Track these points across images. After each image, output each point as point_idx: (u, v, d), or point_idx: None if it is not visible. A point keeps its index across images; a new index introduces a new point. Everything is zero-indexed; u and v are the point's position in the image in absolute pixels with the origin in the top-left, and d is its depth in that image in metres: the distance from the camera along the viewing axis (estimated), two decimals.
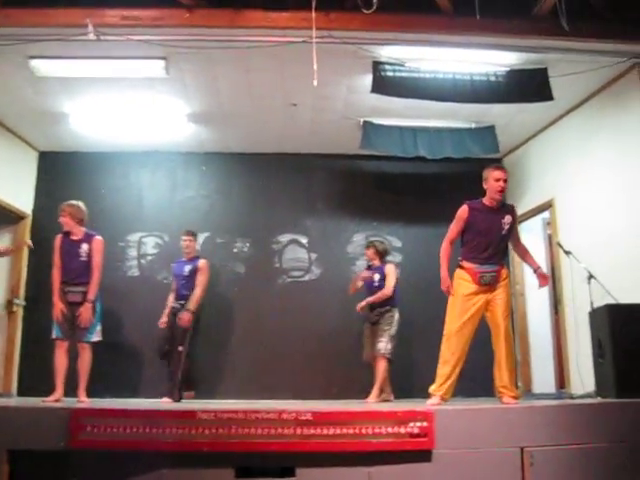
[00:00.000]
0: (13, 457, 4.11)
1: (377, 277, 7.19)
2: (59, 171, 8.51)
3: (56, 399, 6.01)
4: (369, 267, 7.46)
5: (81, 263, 6.33)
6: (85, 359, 6.28)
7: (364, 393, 7.36)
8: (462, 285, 5.49)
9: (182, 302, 7.11)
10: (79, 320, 6.17)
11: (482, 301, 5.44)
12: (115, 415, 4.23)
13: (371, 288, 7.20)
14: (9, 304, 7.97)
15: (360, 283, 7.39)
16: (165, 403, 6.51)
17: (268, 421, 4.14)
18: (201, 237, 8.33)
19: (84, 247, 6.37)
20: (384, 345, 6.96)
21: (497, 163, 8.56)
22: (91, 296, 6.25)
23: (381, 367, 6.96)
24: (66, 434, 4.07)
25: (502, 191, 5.54)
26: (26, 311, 8.05)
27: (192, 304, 6.98)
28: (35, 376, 7.24)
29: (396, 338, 7.02)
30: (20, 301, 8.00)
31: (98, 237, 6.46)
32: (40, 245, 7.96)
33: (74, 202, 6.53)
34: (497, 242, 5.52)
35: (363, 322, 7.37)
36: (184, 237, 7.42)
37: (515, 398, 5.32)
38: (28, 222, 8.28)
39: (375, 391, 6.93)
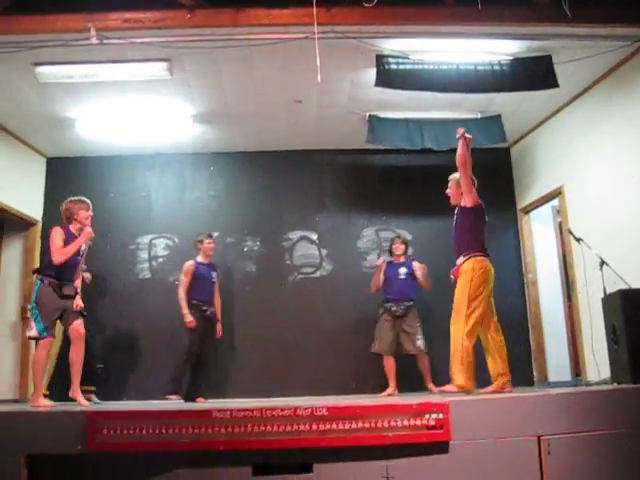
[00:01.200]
0: (31, 462, 4.12)
1: (404, 271, 7.24)
2: (67, 176, 8.54)
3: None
4: (390, 262, 7.49)
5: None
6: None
7: (378, 387, 7.39)
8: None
9: (209, 306, 7.27)
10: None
11: None
12: (131, 417, 4.23)
13: (396, 282, 7.21)
14: (23, 311, 8.01)
15: (382, 278, 7.41)
16: (174, 400, 6.68)
17: (284, 418, 4.14)
18: None
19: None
20: (422, 342, 7.14)
21: (505, 152, 8.61)
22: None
23: (426, 361, 7.19)
24: (83, 437, 4.08)
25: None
26: None
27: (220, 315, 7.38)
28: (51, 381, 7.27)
29: None
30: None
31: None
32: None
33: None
34: None
35: (381, 314, 7.38)
36: (210, 240, 7.48)
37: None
38: (38, 228, 8.32)
39: (429, 381, 7.09)
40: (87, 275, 7.29)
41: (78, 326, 5.86)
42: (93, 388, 7.02)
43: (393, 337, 7.24)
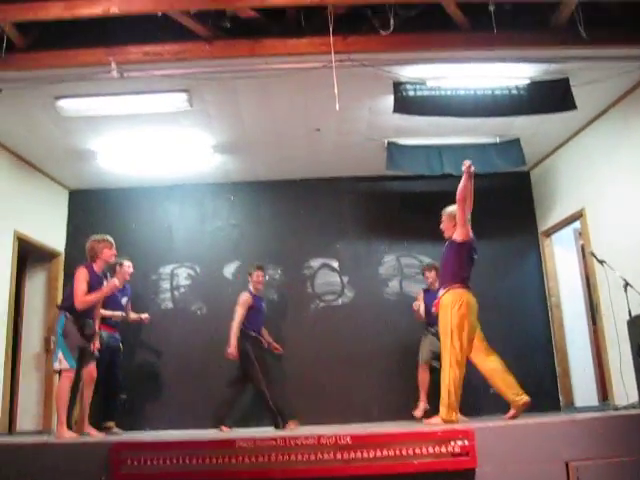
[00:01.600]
0: None
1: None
2: (89, 208, 8.64)
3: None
4: (427, 290, 7.44)
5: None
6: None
7: (401, 413, 7.33)
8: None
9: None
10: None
11: None
12: (154, 448, 4.23)
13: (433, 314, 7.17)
14: (46, 341, 8.06)
15: (422, 309, 7.36)
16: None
17: (307, 447, 4.12)
18: (232, 266, 8.41)
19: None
20: None
21: (525, 175, 8.58)
22: None
23: None
24: (107, 468, 4.08)
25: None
26: None
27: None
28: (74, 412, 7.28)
29: None
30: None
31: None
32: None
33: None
34: None
35: (425, 336, 7.37)
36: (258, 273, 7.49)
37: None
38: (61, 260, 8.41)
39: None
40: (145, 316, 7.52)
41: (93, 370, 6.08)
42: (112, 424, 7.03)
43: (433, 353, 7.14)
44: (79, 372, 6.06)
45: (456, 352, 5.51)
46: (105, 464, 4.09)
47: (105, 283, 6.12)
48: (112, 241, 6.23)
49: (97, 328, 6.24)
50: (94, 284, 6.00)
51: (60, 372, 5.88)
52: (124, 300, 7.36)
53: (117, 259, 7.16)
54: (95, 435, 6.03)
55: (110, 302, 6.97)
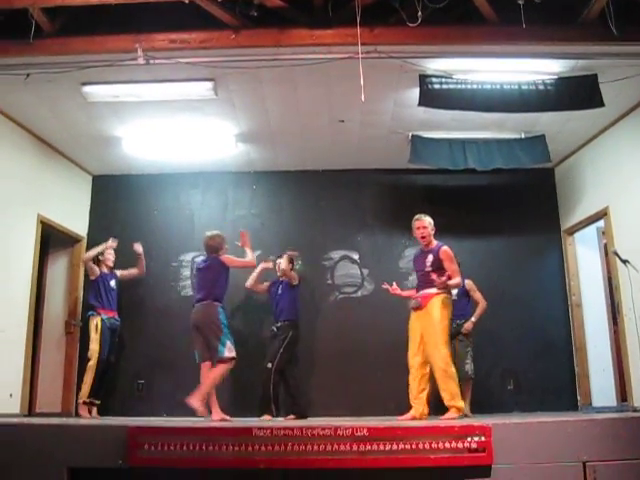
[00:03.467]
0: (73, 474, 4.17)
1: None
2: (112, 194, 8.70)
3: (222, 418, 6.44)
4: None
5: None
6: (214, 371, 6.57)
7: None
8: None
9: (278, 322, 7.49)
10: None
11: None
12: (171, 433, 4.26)
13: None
14: (67, 325, 8.14)
15: None
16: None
17: (324, 437, 4.12)
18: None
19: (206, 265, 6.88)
20: (470, 367, 7.05)
21: (549, 172, 8.51)
22: None
23: (468, 387, 6.99)
24: (124, 452, 4.11)
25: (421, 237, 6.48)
26: (83, 332, 8.20)
27: None
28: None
29: None
30: (77, 322, 8.16)
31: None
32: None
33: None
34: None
35: None
36: (280, 260, 7.65)
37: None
38: (83, 245, 8.46)
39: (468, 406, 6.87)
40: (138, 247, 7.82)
41: None
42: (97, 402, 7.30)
43: None
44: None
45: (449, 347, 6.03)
46: (123, 448, 4.12)
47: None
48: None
49: None
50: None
51: (224, 360, 6.43)
52: (113, 282, 7.70)
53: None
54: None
55: (101, 288, 7.54)
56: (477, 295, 7.20)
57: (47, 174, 7.73)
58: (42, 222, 7.53)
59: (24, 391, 7.06)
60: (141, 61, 5.75)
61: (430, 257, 6.23)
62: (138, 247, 7.81)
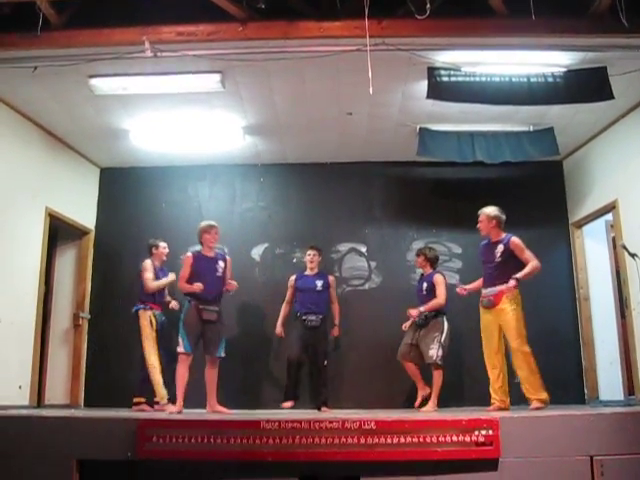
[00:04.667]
0: (82, 467, 4.20)
1: (425, 285, 7.10)
2: (120, 187, 8.71)
3: (178, 410, 6.39)
4: (422, 275, 7.35)
5: (217, 279, 6.73)
6: (215, 372, 6.74)
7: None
8: None
9: (317, 315, 7.37)
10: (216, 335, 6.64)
11: None
12: (180, 426, 4.28)
13: (420, 297, 7.11)
14: (75, 317, 8.17)
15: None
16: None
17: (331, 430, 4.14)
18: (260, 248, 8.44)
19: (220, 264, 6.77)
20: (435, 352, 6.81)
21: (557, 165, 8.48)
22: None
23: (436, 375, 6.84)
24: (133, 444, 4.13)
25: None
26: (91, 324, 8.24)
27: (338, 319, 7.65)
28: (101, 387, 7.38)
29: (447, 347, 6.89)
30: (85, 314, 8.20)
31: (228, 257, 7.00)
32: (103, 259, 8.17)
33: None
34: None
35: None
36: (309, 252, 7.58)
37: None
38: (91, 237, 8.50)
39: (433, 399, 6.81)
40: (173, 304, 7.45)
41: None
42: (141, 399, 7.14)
43: (410, 345, 7.05)
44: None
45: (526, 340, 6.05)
46: (131, 440, 4.14)
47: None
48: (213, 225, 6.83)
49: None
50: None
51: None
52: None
53: (152, 240, 7.41)
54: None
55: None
56: (440, 290, 7.03)
57: (55, 167, 7.75)
58: (50, 215, 7.54)
59: (33, 383, 7.10)
60: (148, 54, 5.75)
61: (500, 247, 6.24)
62: (175, 305, 7.42)
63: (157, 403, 6.97)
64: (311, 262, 7.54)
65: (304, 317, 7.34)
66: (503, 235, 6.32)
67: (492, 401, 6.20)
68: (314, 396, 7.48)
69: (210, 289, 6.59)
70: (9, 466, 4.21)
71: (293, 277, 7.61)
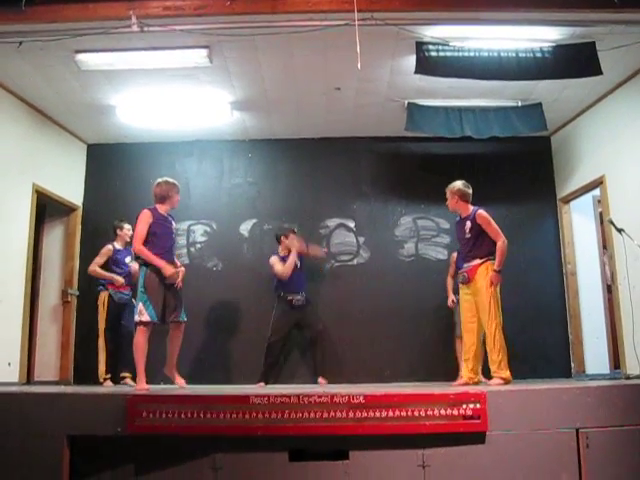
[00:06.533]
0: (73, 442, 4.21)
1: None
2: (107, 163, 8.67)
3: (147, 388, 5.93)
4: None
5: (174, 242, 6.44)
6: (181, 339, 6.34)
7: (413, 375, 7.42)
8: None
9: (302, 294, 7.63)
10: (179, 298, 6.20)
11: None
12: (170, 401, 4.29)
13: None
14: (64, 294, 8.16)
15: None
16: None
17: (321, 405, 4.16)
18: (249, 224, 8.45)
19: (174, 225, 6.38)
20: None
21: (545, 140, 8.49)
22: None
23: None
24: (123, 420, 4.15)
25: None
26: (80, 301, 8.23)
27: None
28: (90, 364, 7.39)
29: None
30: (74, 291, 8.19)
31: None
32: (91, 235, 8.15)
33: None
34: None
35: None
36: (294, 235, 7.75)
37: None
38: (79, 213, 8.47)
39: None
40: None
41: None
42: (127, 374, 7.28)
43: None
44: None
45: (500, 317, 5.86)
46: (121, 416, 4.16)
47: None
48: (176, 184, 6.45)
49: None
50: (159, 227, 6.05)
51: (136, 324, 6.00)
52: (128, 259, 7.51)
53: (117, 222, 7.55)
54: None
55: (116, 262, 7.45)
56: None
57: (42, 143, 7.69)
58: (37, 191, 7.50)
59: (22, 360, 7.10)
60: (135, 28, 5.69)
61: (468, 224, 6.12)
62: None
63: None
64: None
65: (289, 297, 7.51)
66: (471, 209, 6.20)
67: (460, 374, 6.19)
68: (312, 369, 7.73)
69: (169, 250, 6.18)
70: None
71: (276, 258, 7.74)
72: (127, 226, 7.52)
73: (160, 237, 6.03)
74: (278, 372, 7.84)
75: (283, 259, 7.62)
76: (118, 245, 7.56)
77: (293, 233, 7.78)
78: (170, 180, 6.37)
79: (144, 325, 5.89)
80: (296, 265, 7.59)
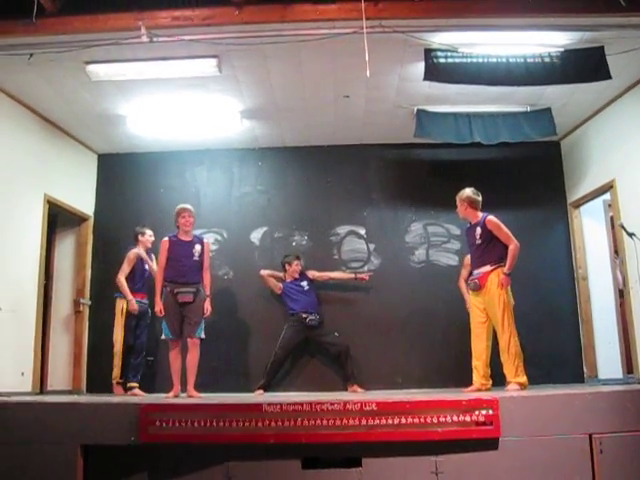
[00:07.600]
0: (87, 452, 4.23)
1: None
2: (118, 173, 8.71)
3: (175, 395, 6.45)
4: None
5: (194, 263, 6.67)
6: (195, 355, 6.61)
7: (425, 382, 7.40)
8: None
9: (315, 315, 7.79)
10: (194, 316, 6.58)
11: None
12: (182, 410, 4.31)
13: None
14: (76, 304, 8.19)
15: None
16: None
17: (333, 412, 4.17)
18: (259, 232, 8.46)
19: (197, 248, 6.72)
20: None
21: (555, 145, 8.48)
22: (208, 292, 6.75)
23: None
24: (136, 429, 4.17)
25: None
26: (92, 310, 8.26)
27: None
28: (103, 373, 7.42)
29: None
30: (86, 301, 8.22)
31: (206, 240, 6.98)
32: (102, 245, 8.18)
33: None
34: None
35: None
36: (297, 262, 7.88)
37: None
38: (90, 223, 8.50)
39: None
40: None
41: None
42: (135, 384, 7.29)
43: None
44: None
45: (513, 326, 5.91)
46: (135, 425, 4.17)
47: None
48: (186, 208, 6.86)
49: None
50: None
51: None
52: (147, 266, 7.55)
53: (138, 228, 7.54)
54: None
55: (137, 271, 7.43)
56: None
57: (53, 154, 7.74)
58: (49, 201, 7.54)
59: (35, 369, 7.13)
60: (144, 39, 5.74)
61: (478, 230, 6.16)
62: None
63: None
64: (295, 272, 7.89)
65: (304, 315, 7.65)
66: (480, 216, 6.24)
67: (474, 381, 6.13)
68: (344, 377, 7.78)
69: (184, 272, 6.60)
70: (14, 453, 4.24)
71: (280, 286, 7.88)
72: (149, 232, 7.58)
73: (173, 260, 6.64)
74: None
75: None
76: (142, 250, 7.56)
77: (297, 260, 7.86)
78: (177, 207, 6.87)
79: (169, 341, 6.58)
80: (302, 287, 7.75)
